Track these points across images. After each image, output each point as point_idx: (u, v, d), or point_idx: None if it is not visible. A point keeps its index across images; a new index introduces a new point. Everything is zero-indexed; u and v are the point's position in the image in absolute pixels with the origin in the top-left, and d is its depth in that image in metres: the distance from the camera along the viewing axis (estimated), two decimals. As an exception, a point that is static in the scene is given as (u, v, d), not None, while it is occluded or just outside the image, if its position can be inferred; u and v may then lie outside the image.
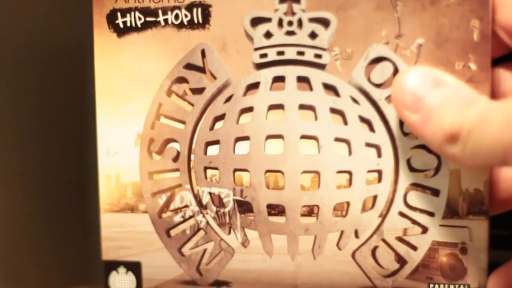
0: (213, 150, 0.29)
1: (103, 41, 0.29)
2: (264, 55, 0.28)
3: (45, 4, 0.42)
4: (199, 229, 0.30)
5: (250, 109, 0.29)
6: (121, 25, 0.29)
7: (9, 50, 0.40)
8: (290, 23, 0.28)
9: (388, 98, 0.27)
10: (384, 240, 0.28)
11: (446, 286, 0.28)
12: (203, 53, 0.29)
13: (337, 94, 0.28)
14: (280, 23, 0.28)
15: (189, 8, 0.28)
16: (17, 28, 0.40)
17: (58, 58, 0.43)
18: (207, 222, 0.30)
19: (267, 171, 0.29)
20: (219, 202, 0.29)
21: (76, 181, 0.46)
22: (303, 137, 0.28)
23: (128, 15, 0.29)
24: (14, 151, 0.41)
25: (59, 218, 0.45)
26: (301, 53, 0.28)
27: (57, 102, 0.44)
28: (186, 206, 0.30)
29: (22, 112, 0.41)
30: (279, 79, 0.28)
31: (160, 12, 0.29)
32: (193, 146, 0.29)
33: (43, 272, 0.43)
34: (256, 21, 0.28)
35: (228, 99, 0.29)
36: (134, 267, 0.30)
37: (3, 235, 0.40)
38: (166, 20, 0.29)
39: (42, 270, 0.43)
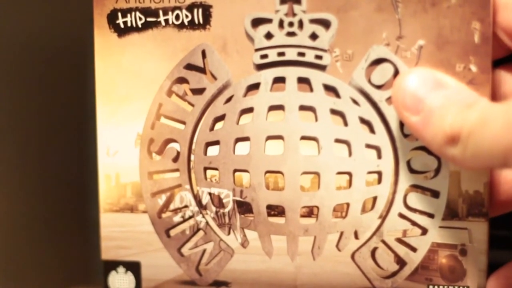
0: (213, 150, 0.29)
1: (104, 41, 0.29)
2: (264, 56, 0.28)
3: (45, 4, 0.42)
4: (198, 230, 0.30)
5: (250, 110, 0.29)
6: (122, 25, 0.29)
7: (9, 50, 0.40)
8: (290, 24, 0.28)
9: (389, 100, 0.27)
10: (383, 241, 0.28)
11: (445, 287, 0.28)
12: (203, 54, 0.29)
13: (337, 95, 0.28)
14: (281, 24, 0.28)
15: (190, 8, 0.28)
16: (17, 28, 0.40)
17: (58, 58, 0.43)
18: (207, 223, 0.30)
19: (267, 171, 0.29)
20: (218, 202, 0.29)
21: (76, 181, 0.46)
22: (303, 138, 0.28)
23: (128, 15, 0.29)
24: (14, 151, 0.41)
25: (59, 218, 0.45)
26: (301, 54, 0.28)
27: (57, 102, 0.44)
28: (186, 206, 0.30)
29: (22, 112, 0.41)
30: (280, 80, 0.28)
31: (160, 12, 0.29)
32: (193, 147, 0.29)
33: (43, 272, 0.43)
34: (256, 22, 0.28)
35: (228, 100, 0.29)
36: (134, 267, 0.30)
37: (3, 235, 0.40)
38: (166, 21, 0.29)
39: (42, 270, 0.43)
